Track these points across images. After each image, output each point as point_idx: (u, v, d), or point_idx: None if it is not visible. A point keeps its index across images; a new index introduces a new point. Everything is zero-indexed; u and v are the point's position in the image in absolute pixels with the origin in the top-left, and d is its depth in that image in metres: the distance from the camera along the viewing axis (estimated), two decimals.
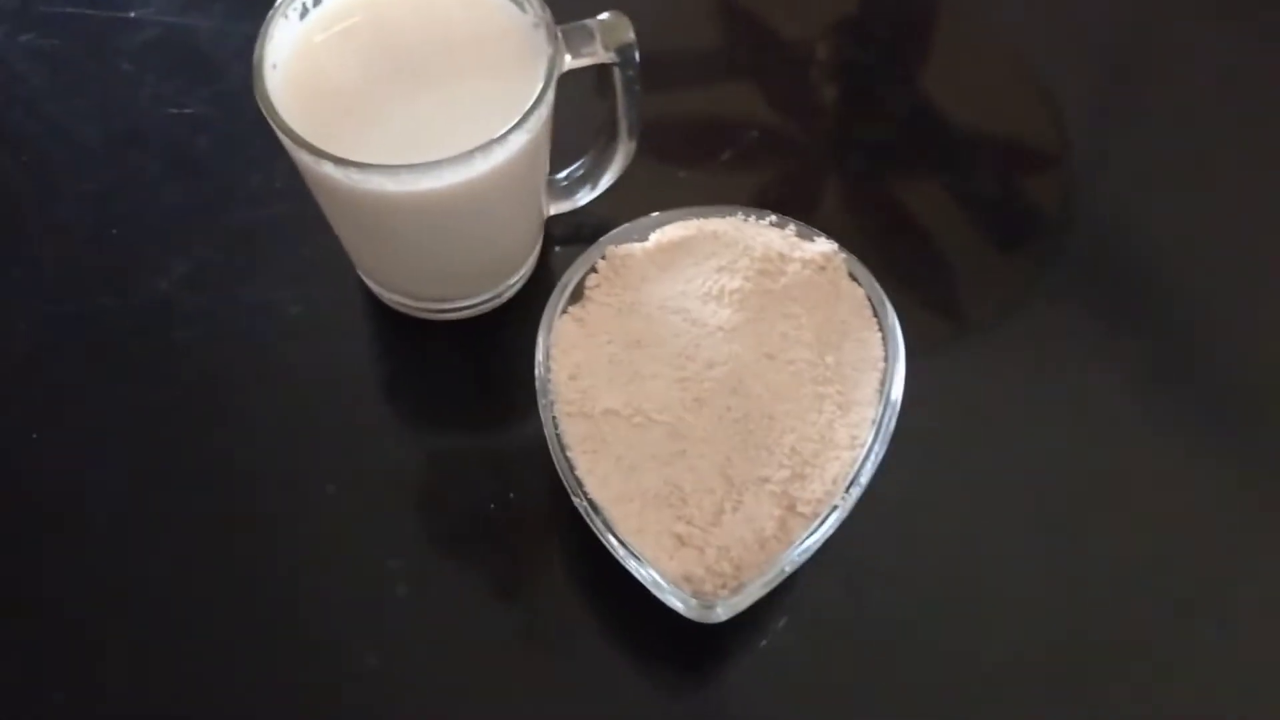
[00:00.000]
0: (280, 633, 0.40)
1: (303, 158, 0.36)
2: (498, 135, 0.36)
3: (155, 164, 0.49)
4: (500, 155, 0.37)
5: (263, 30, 0.38)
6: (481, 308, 0.45)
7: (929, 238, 0.50)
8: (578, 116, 0.43)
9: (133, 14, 0.53)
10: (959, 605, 0.41)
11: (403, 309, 0.46)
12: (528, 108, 0.37)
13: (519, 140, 0.37)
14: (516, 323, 0.44)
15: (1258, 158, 0.52)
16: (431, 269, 0.43)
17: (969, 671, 0.40)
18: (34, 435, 0.43)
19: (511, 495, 0.42)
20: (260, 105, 0.36)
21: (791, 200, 0.44)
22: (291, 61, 0.38)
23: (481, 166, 0.36)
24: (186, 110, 0.50)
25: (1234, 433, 0.45)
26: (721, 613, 0.35)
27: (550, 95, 0.38)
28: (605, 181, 0.45)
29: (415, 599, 0.40)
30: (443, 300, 0.45)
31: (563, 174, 0.46)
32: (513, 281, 0.46)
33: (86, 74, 0.52)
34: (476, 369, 0.46)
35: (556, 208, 0.46)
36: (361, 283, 0.46)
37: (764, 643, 0.40)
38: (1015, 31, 0.56)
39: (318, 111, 0.37)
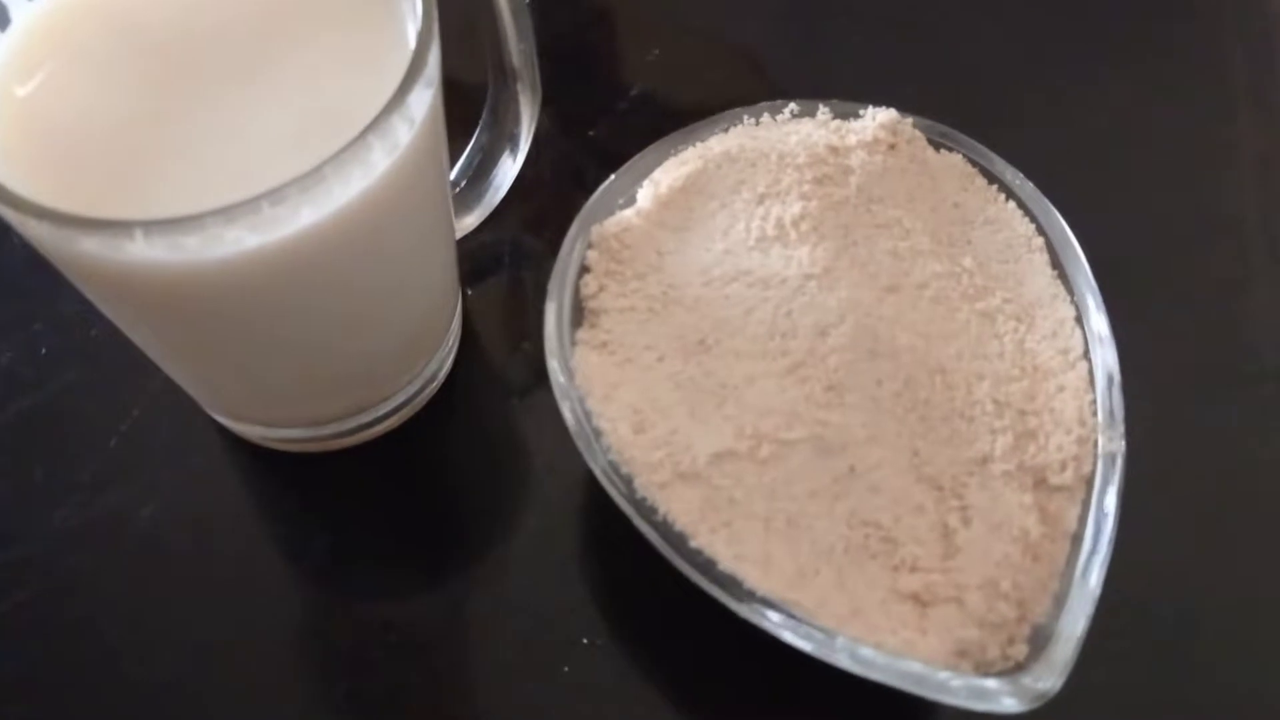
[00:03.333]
0: None
1: (79, 247, 0.21)
2: (374, 120, 0.21)
3: None
4: (383, 156, 0.22)
5: None
6: (407, 409, 0.30)
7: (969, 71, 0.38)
8: None
9: None
10: None
11: (295, 447, 0.30)
12: (410, 60, 0.22)
13: (416, 110, 0.22)
14: (465, 411, 0.30)
15: None
16: (327, 370, 0.28)
17: None
18: None
19: (585, 640, 0.27)
20: None
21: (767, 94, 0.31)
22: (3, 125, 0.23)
23: (365, 178, 0.22)
24: None
25: None
26: (1050, 682, 0.21)
27: (436, 36, 0.23)
28: (525, 138, 0.30)
29: None
30: (349, 415, 0.29)
31: (457, 167, 0.31)
32: (438, 362, 0.31)
33: None
34: (448, 493, 0.30)
35: (469, 218, 0.31)
36: (229, 437, 0.31)
37: None
38: None
39: (67, 182, 0.22)
